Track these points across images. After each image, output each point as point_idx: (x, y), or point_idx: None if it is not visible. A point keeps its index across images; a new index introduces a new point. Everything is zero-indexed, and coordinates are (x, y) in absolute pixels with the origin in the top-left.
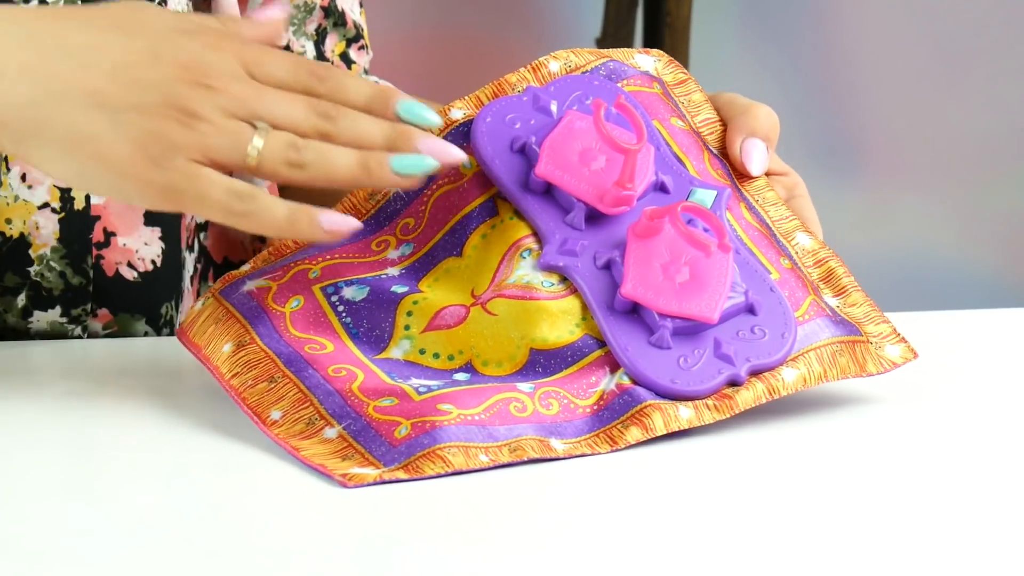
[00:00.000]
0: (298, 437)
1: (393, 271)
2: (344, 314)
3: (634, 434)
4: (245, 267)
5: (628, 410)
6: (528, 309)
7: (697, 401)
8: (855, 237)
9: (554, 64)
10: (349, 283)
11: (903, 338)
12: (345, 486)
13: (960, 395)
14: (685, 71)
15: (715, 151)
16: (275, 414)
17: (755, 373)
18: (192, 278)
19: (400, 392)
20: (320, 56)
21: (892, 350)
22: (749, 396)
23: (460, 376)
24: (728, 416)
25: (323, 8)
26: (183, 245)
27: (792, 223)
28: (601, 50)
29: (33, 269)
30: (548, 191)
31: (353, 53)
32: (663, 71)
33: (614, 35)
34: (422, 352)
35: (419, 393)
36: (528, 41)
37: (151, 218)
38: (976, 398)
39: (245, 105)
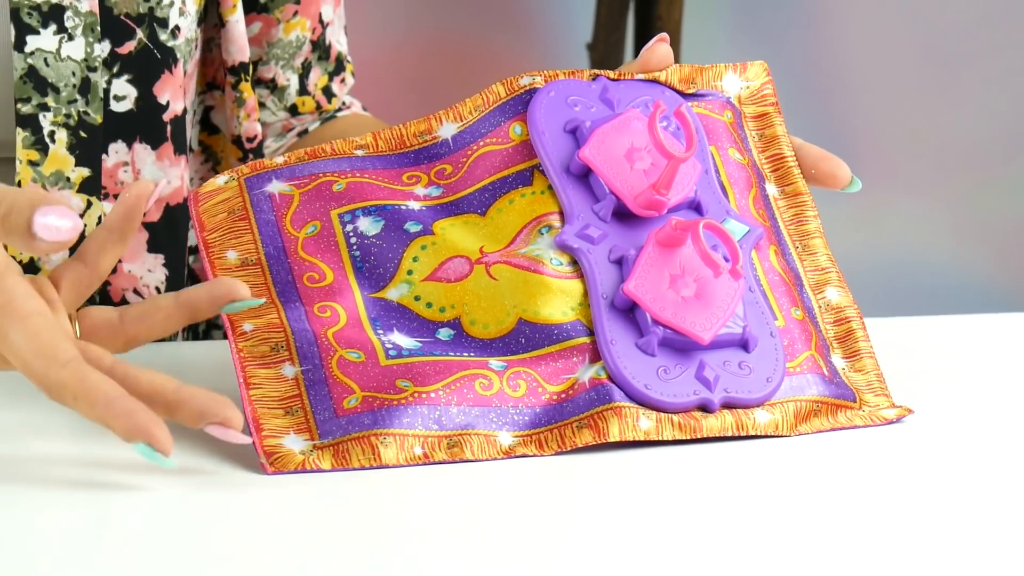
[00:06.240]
0: (257, 362)
1: (415, 204)
2: (355, 247)
3: (585, 437)
4: (279, 159)
5: (591, 408)
6: (529, 281)
7: (662, 414)
8: (848, 241)
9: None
10: (367, 211)
11: (898, 406)
12: (266, 471)
13: (953, 400)
14: (774, 102)
15: (770, 192)
16: (247, 326)
17: (728, 406)
18: None
19: (370, 348)
20: (303, 90)
21: (887, 412)
22: (715, 424)
23: (444, 333)
24: (688, 437)
25: (312, 42)
26: (185, 271)
27: (826, 276)
28: (697, 66)
29: None
30: (586, 176)
31: (335, 86)
32: (746, 100)
33: (605, 40)
34: (417, 299)
35: (387, 356)
36: (519, 46)
37: (154, 245)
38: (969, 403)
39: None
